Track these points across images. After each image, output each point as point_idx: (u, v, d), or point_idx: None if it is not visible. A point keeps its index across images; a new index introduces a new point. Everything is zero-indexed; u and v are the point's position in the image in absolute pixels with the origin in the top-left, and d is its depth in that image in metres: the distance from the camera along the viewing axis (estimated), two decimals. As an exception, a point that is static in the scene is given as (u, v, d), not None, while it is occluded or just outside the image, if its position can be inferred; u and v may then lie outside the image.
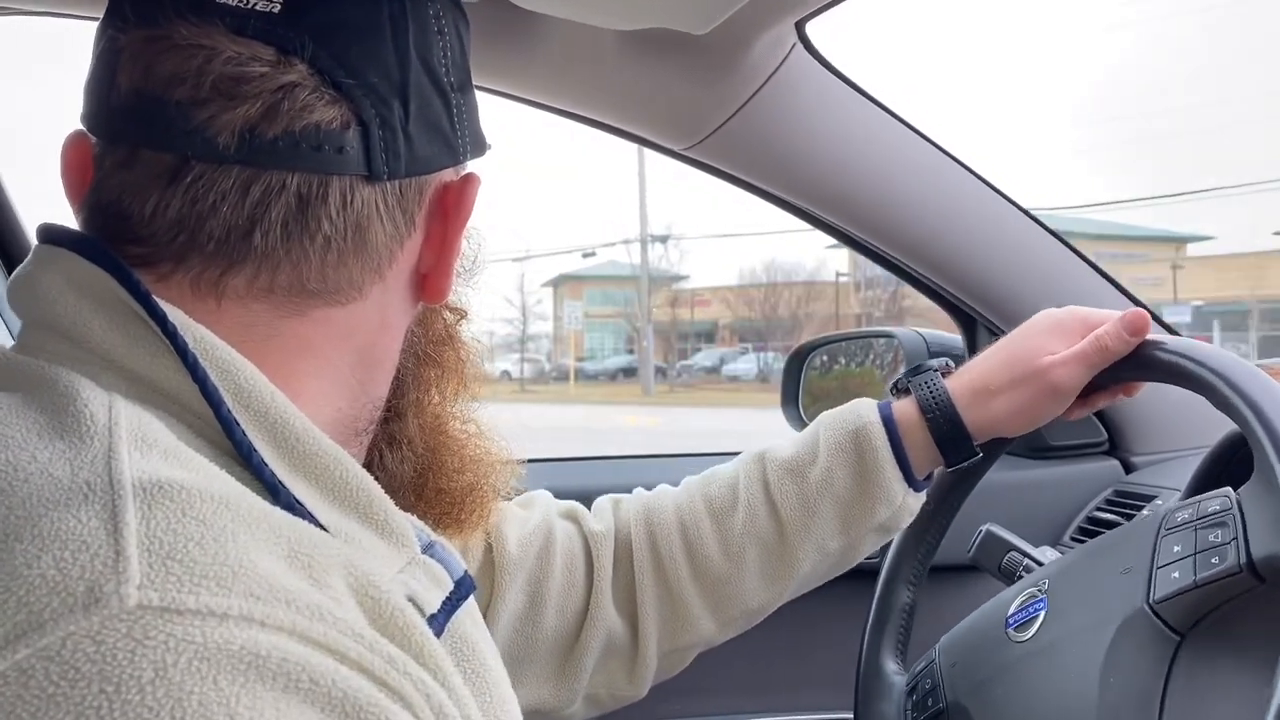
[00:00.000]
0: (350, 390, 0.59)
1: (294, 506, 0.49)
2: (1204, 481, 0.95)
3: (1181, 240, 36.94)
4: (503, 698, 0.56)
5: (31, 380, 0.49)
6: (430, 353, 0.68)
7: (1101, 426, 1.35)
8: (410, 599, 0.51)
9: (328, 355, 0.57)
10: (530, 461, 1.41)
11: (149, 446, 0.45)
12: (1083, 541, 1.18)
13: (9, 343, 0.55)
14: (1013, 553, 1.00)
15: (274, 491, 0.49)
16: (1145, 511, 1.17)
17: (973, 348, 1.37)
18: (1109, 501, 1.30)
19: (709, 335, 38.48)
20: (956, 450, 0.88)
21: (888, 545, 0.97)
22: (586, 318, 37.82)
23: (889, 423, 0.88)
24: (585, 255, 38.93)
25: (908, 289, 1.40)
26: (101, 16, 0.56)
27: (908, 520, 0.90)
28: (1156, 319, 1.32)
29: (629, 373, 33.89)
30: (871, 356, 1.63)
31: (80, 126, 0.56)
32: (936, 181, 1.23)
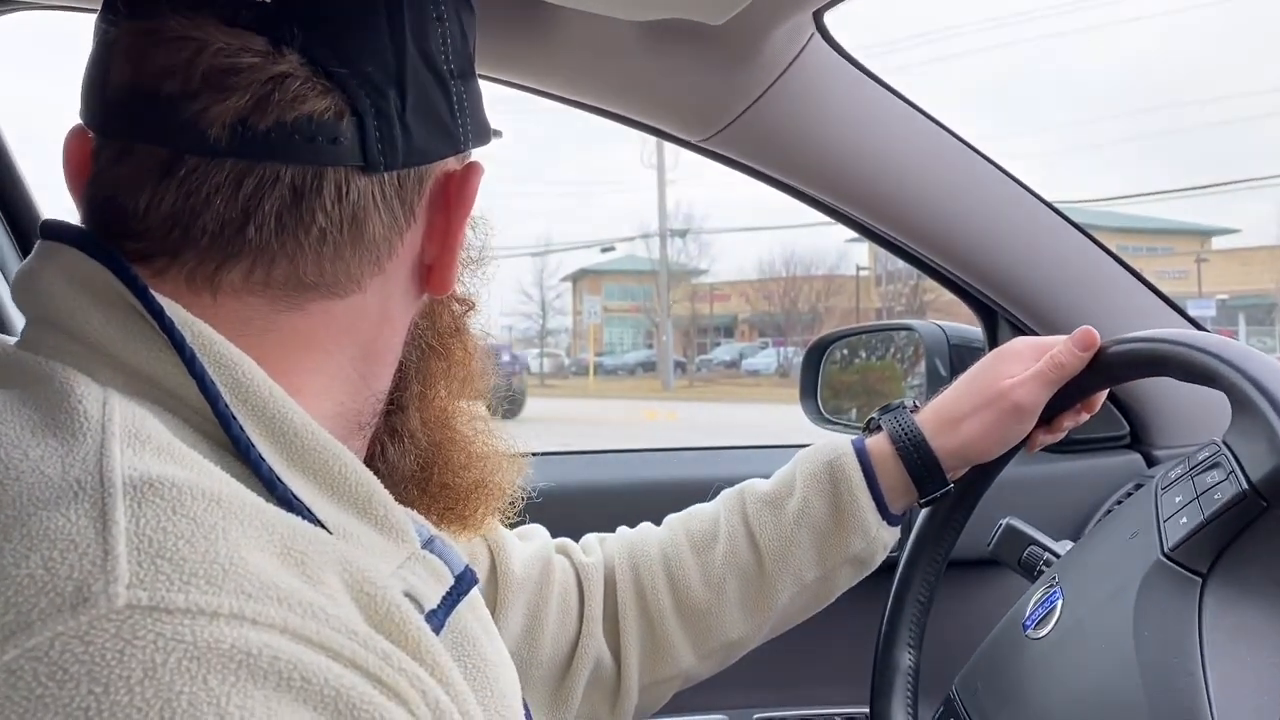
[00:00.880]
0: (351, 384, 0.58)
1: (291, 502, 0.49)
2: None
3: (1206, 233, 36.62)
4: (503, 693, 0.56)
5: (28, 376, 0.49)
6: (436, 345, 0.67)
7: (1123, 419, 1.34)
8: (409, 594, 0.51)
9: (327, 349, 0.56)
10: (545, 455, 1.42)
11: (142, 443, 0.45)
12: (1104, 536, 1.17)
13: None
14: (1033, 546, 0.99)
15: (271, 487, 0.49)
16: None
17: (993, 341, 1.36)
18: (1130, 495, 1.28)
19: (728, 329, 38.45)
20: (928, 479, 0.91)
21: (902, 543, 0.96)
22: (605, 312, 37.85)
23: (862, 454, 0.91)
24: (604, 250, 38.96)
25: (929, 283, 1.39)
26: (98, 10, 0.55)
27: (882, 555, 0.93)
28: (1181, 313, 1.31)
29: (648, 367, 33.91)
30: (892, 350, 1.62)
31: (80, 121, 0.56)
32: (957, 173, 1.22)
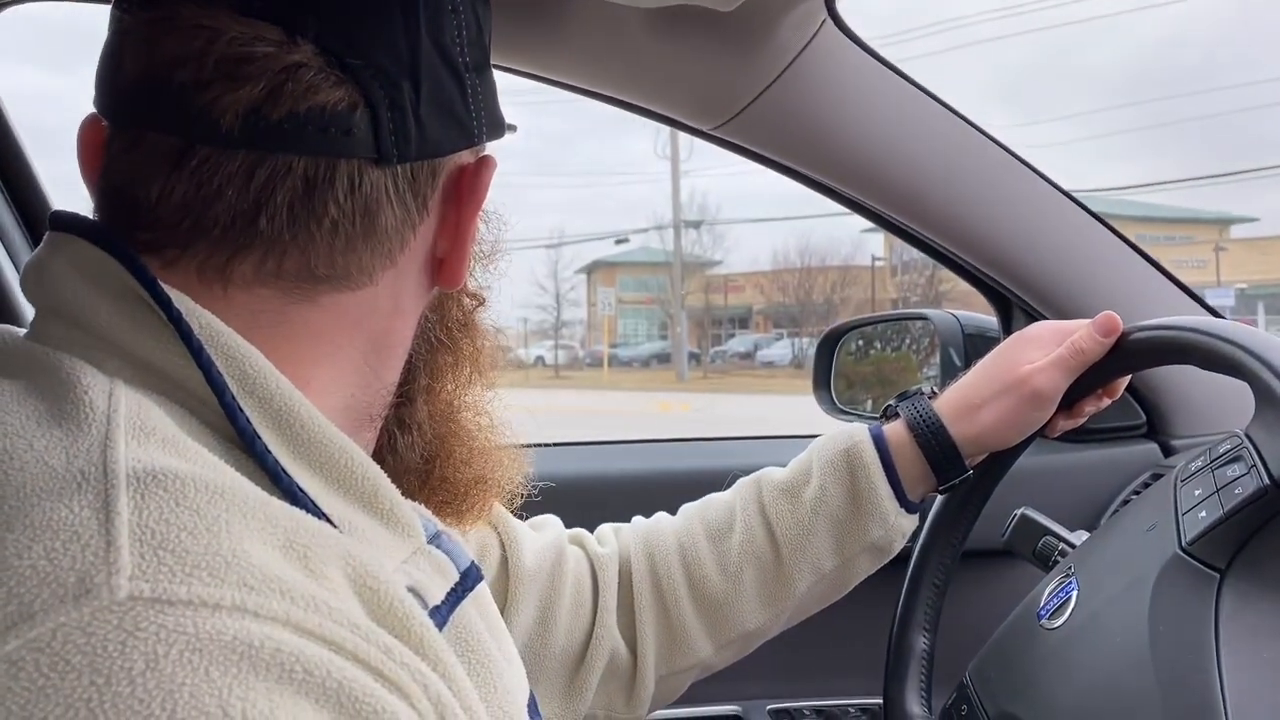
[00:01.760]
0: (362, 376, 0.58)
1: (296, 495, 0.48)
2: None
3: (1225, 222, 36.32)
4: (507, 689, 0.56)
5: (35, 367, 0.49)
6: (445, 339, 0.67)
7: (1140, 409, 1.32)
8: (413, 589, 0.51)
9: (338, 342, 0.56)
10: (560, 446, 1.41)
11: (147, 434, 0.45)
12: (1120, 526, 1.16)
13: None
14: (1048, 537, 0.98)
15: (277, 480, 0.48)
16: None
17: (1008, 330, 1.35)
18: (1147, 485, 1.27)
19: (743, 320, 38.39)
20: (947, 466, 0.90)
21: (918, 532, 0.96)
22: (620, 304, 37.85)
23: (879, 442, 0.90)
24: (618, 241, 38.96)
25: (945, 273, 1.39)
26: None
27: (900, 543, 0.92)
28: (1200, 302, 1.30)
29: (663, 359, 33.91)
30: (908, 340, 1.61)
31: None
32: (972, 161, 1.20)
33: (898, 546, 0.92)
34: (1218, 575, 0.71)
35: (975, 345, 1.35)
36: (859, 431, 0.91)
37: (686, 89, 1.09)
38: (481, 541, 0.85)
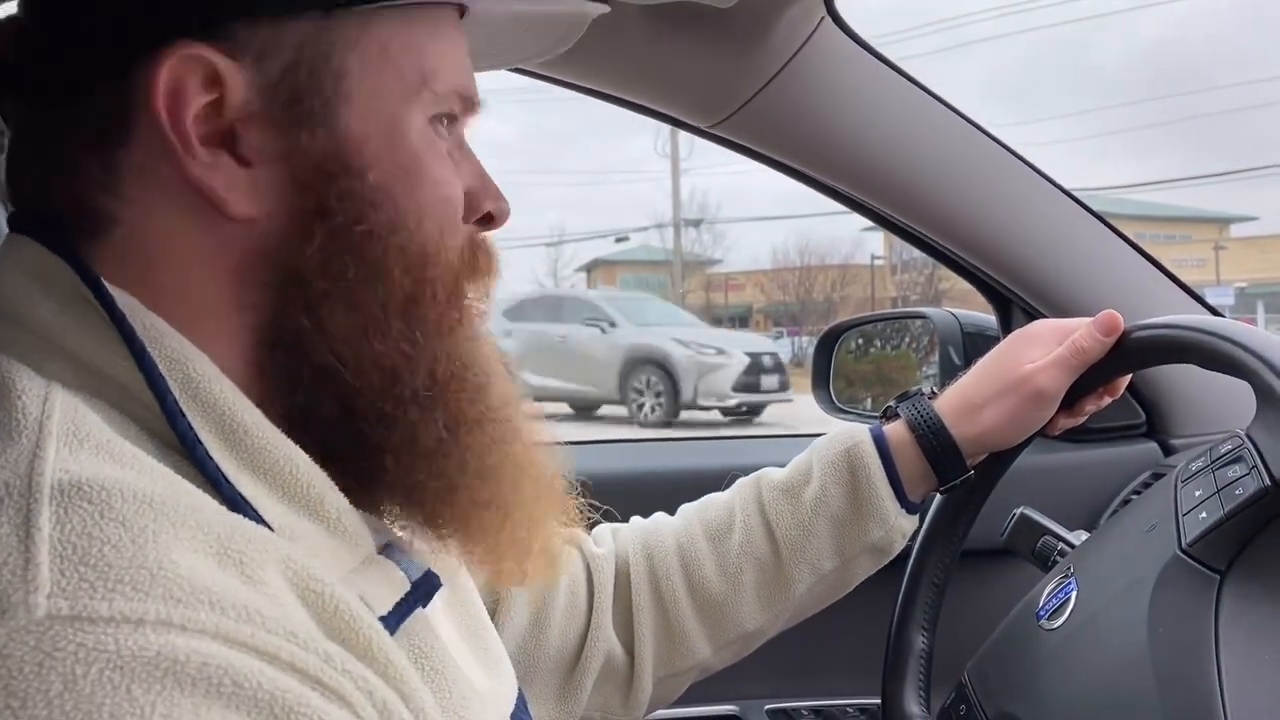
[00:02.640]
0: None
1: (237, 501, 0.47)
2: None
3: (1225, 221, 36.35)
4: (464, 697, 0.54)
5: None
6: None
7: (1139, 408, 1.32)
8: (360, 598, 0.49)
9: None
10: (554, 444, 1.41)
11: (80, 441, 0.44)
12: (1120, 526, 1.16)
13: None
14: (1047, 537, 0.98)
15: (218, 485, 0.47)
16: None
17: (1007, 329, 1.34)
18: (1146, 485, 1.27)
19: (743, 319, 38.38)
20: (948, 466, 0.89)
21: (917, 530, 0.95)
22: (620, 302, 37.79)
23: (880, 442, 0.89)
24: (618, 239, 38.94)
25: (944, 272, 1.39)
26: None
27: (900, 543, 0.91)
28: (1200, 300, 1.29)
29: (663, 357, 33.83)
30: (907, 339, 1.61)
31: None
32: (971, 158, 1.20)
33: (898, 547, 0.91)
34: (1218, 576, 0.70)
35: (974, 344, 1.34)
36: (859, 432, 0.91)
37: (685, 86, 1.09)
38: None
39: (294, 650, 0.40)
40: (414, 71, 0.55)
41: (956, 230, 1.24)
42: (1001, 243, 1.25)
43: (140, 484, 0.43)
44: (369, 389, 0.54)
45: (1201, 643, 0.67)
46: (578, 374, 11.87)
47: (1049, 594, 0.85)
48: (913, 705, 0.94)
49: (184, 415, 0.48)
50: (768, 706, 1.34)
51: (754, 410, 11.89)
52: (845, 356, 1.55)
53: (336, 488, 0.52)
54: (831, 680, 1.34)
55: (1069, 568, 0.86)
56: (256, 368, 0.53)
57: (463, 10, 0.59)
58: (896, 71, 1.13)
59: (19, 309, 0.50)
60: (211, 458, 0.48)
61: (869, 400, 1.55)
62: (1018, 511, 1.01)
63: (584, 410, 12.00)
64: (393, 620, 0.51)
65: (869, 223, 1.36)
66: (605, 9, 0.65)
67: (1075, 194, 1.25)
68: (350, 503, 0.53)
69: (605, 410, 12.26)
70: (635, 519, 0.96)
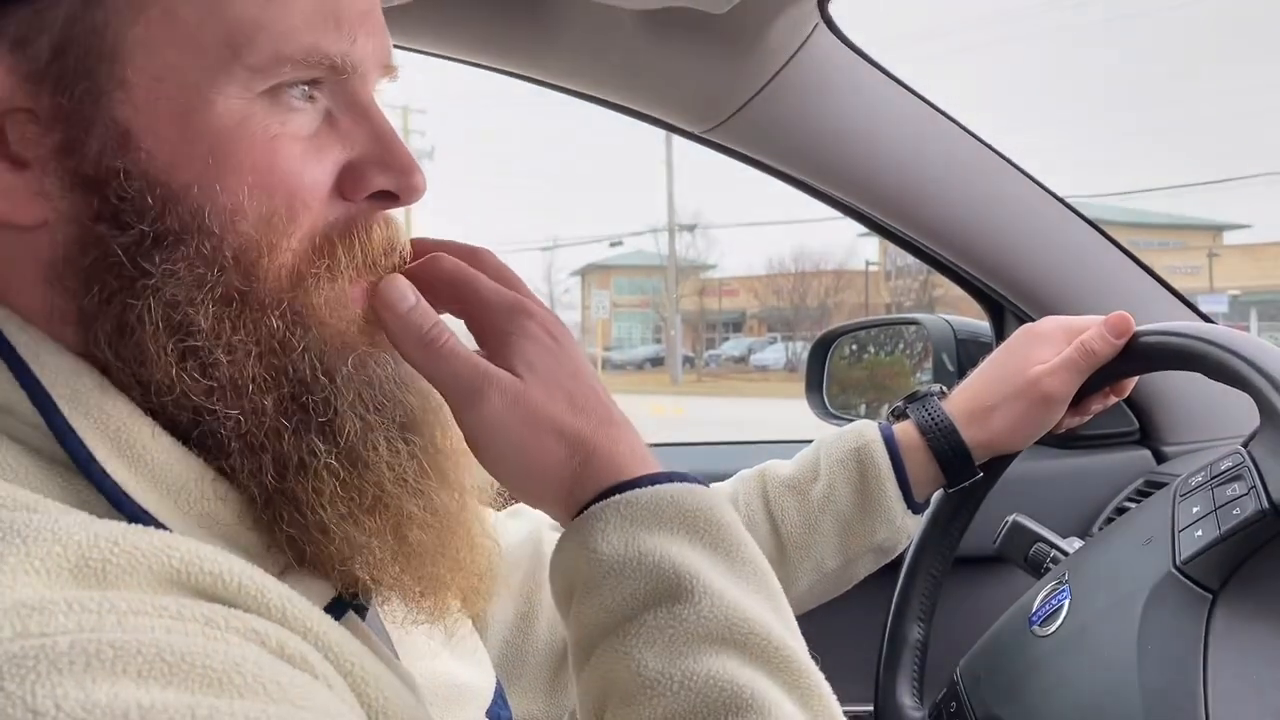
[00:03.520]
0: None
1: (140, 518, 0.45)
2: None
3: (1218, 228, 36.46)
4: (394, 686, 0.48)
5: None
6: None
7: (1133, 416, 1.32)
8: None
9: None
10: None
11: None
12: (1112, 533, 1.15)
13: None
14: (1040, 544, 0.98)
15: (119, 505, 0.45)
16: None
17: (1000, 335, 1.34)
18: (1139, 492, 1.27)
19: (737, 324, 38.42)
20: (958, 468, 0.89)
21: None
22: (614, 307, 37.86)
23: (890, 442, 0.88)
24: (612, 244, 38.98)
25: (938, 278, 1.39)
26: None
27: (904, 543, 0.91)
28: (1193, 308, 1.29)
29: (656, 362, 33.92)
30: (902, 345, 1.61)
31: None
32: (964, 165, 1.20)
33: (901, 546, 0.91)
34: (1210, 596, 0.70)
35: (967, 350, 1.34)
36: (869, 430, 0.90)
37: (679, 92, 1.09)
38: None
39: (168, 623, 0.38)
40: (216, 41, 0.46)
41: (949, 236, 1.24)
42: (995, 249, 1.25)
43: None
44: (227, 415, 0.48)
45: (1189, 664, 0.67)
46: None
47: (1042, 600, 0.85)
48: (906, 696, 0.93)
49: (74, 432, 0.45)
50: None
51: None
52: (839, 362, 1.55)
53: (232, 506, 0.49)
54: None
55: (1064, 575, 0.86)
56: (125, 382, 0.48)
57: None
58: (890, 78, 1.13)
59: None
60: (109, 475, 0.45)
61: (862, 406, 1.55)
62: (1010, 519, 1.01)
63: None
64: (334, 613, 0.48)
65: (863, 229, 1.36)
66: None
67: (1068, 201, 1.25)
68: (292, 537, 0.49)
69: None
70: None
